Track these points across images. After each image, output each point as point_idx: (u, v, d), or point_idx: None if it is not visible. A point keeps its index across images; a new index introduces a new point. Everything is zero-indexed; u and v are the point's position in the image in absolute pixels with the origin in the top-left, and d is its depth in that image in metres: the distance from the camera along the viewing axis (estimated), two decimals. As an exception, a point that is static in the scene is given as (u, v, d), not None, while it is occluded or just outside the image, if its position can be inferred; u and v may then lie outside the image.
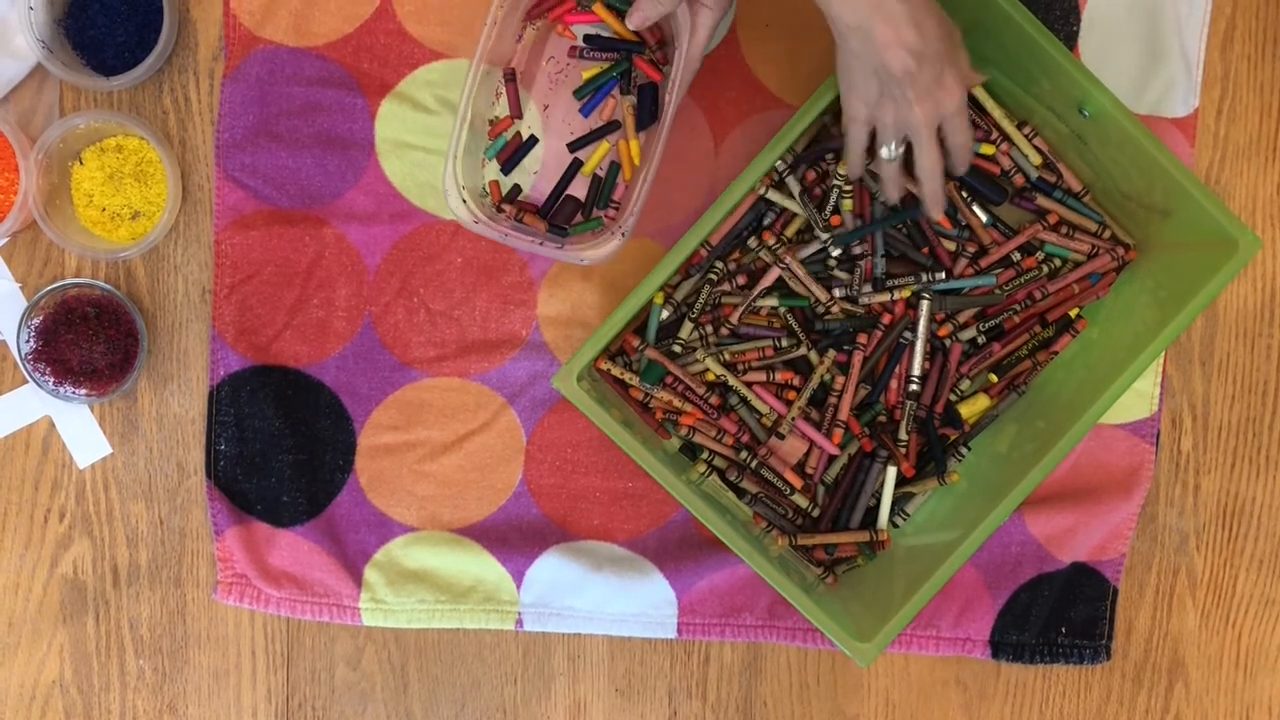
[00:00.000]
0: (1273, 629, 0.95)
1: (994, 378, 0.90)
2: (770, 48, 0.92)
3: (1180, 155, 0.92)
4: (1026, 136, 0.89)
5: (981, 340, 0.89)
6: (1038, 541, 0.93)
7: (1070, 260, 0.90)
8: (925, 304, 0.88)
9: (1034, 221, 0.90)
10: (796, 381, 0.88)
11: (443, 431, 0.92)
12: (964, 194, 0.89)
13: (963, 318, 0.89)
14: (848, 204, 0.87)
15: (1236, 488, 0.94)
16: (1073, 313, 0.90)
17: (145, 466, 0.92)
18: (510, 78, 0.90)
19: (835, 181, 0.86)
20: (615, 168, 0.91)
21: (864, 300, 0.88)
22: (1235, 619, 0.95)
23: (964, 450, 0.89)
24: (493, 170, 0.91)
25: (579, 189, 0.91)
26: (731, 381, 0.88)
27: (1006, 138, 0.89)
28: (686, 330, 0.89)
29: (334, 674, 0.93)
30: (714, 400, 0.88)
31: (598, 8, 0.89)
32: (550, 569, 0.92)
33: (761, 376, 0.88)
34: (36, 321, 0.89)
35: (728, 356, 0.88)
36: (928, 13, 0.73)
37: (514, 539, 0.92)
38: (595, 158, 0.91)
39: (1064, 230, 0.90)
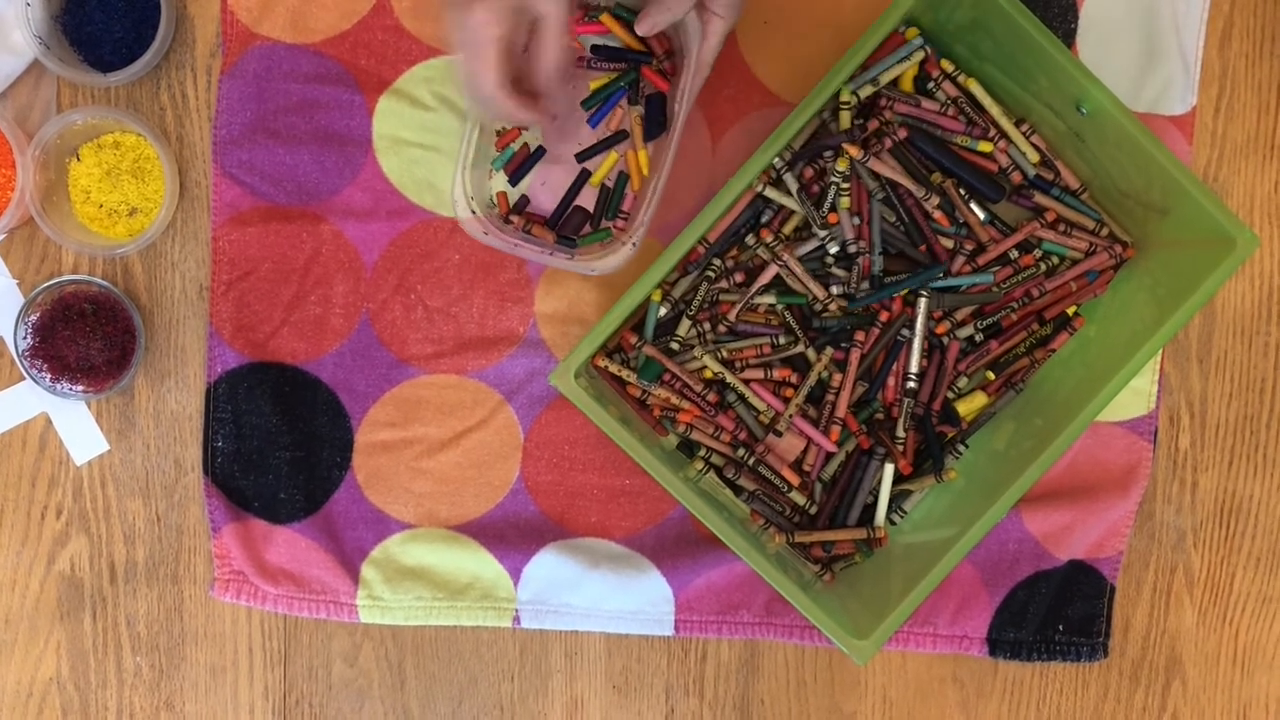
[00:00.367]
0: (1270, 626, 0.95)
1: (991, 375, 0.90)
2: (768, 45, 0.92)
3: (1178, 153, 0.92)
4: (1024, 134, 0.89)
5: (979, 338, 0.89)
6: (1035, 539, 0.93)
7: (1068, 258, 0.90)
8: (923, 301, 0.87)
9: (1032, 219, 0.90)
10: (794, 379, 0.88)
11: (440, 428, 0.92)
12: (962, 191, 0.89)
13: (960, 315, 0.89)
14: (845, 201, 0.87)
15: (1234, 485, 0.94)
16: (1070, 310, 0.90)
17: (142, 463, 0.92)
18: (518, 88, 0.90)
19: (833, 179, 0.86)
20: (624, 178, 0.91)
21: (864, 300, 0.88)
22: (1232, 616, 0.95)
23: (961, 448, 0.89)
24: (500, 181, 0.91)
25: (587, 199, 0.91)
26: (729, 379, 0.88)
27: (1004, 135, 0.89)
28: (684, 327, 0.88)
29: (331, 671, 0.93)
30: (711, 397, 0.88)
31: (605, 18, 0.89)
32: (547, 566, 0.92)
33: (759, 374, 0.88)
34: (33, 318, 0.89)
35: (725, 354, 0.88)
36: None
37: (511, 536, 0.92)
38: (603, 168, 0.91)
39: (1062, 228, 0.90)
